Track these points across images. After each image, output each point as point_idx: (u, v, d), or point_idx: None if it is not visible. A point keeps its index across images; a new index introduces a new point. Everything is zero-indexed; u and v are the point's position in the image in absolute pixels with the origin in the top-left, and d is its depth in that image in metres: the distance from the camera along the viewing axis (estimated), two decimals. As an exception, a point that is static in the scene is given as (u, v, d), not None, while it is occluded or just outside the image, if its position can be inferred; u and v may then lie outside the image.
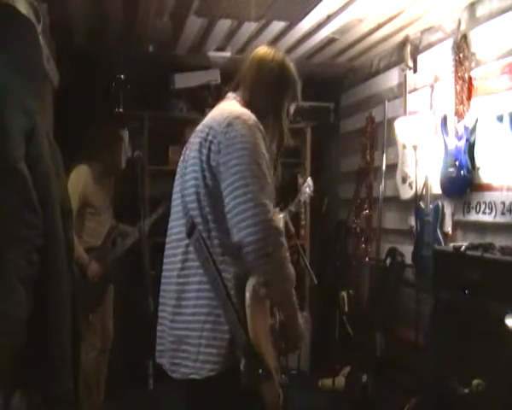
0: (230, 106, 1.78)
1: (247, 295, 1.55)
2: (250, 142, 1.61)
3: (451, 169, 3.25)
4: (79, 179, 3.42)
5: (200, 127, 1.74)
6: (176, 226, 1.74)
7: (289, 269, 1.60)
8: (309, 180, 2.99)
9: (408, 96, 3.85)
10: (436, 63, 3.63)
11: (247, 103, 1.80)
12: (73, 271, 3.26)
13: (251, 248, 1.51)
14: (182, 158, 1.79)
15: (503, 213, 2.97)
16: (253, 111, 1.75)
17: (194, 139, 1.72)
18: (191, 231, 1.63)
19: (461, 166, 3.19)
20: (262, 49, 1.91)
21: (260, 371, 1.51)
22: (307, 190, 2.88)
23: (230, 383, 1.54)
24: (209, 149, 1.64)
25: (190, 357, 1.61)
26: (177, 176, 1.79)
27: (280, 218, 2.33)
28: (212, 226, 1.61)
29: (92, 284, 3.38)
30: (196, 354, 1.60)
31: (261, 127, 1.68)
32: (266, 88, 1.84)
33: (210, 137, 1.65)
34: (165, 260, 1.80)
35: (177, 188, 1.77)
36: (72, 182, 3.35)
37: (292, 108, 1.93)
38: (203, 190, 1.64)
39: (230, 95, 1.86)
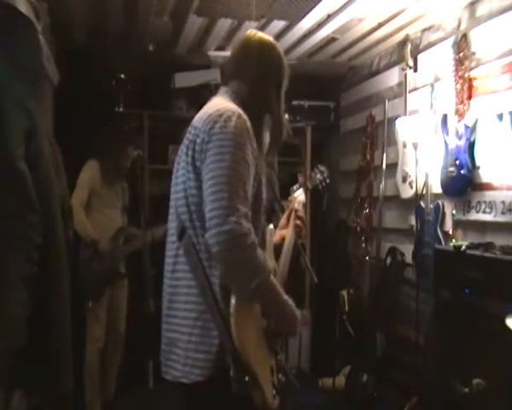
0: (218, 102, 1.71)
1: (233, 301, 1.51)
2: (232, 141, 1.54)
3: (452, 168, 3.25)
4: (88, 171, 3.58)
5: (189, 128, 1.69)
6: (171, 228, 1.72)
7: (255, 266, 1.50)
8: (320, 166, 2.86)
9: (408, 95, 3.84)
10: (436, 62, 3.62)
11: (243, 96, 1.73)
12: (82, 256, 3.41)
13: (213, 250, 1.48)
14: (176, 159, 1.74)
15: (503, 213, 2.97)
16: (248, 104, 1.69)
17: (184, 141, 1.67)
18: (181, 235, 1.61)
19: (461, 166, 3.19)
20: (253, 36, 1.81)
21: (247, 378, 1.48)
22: (318, 176, 2.80)
23: (219, 389, 1.51)
24: (193, 150, 1.59)
25: (180, 360, 1.60)
26: (173, 177, 1.76)
27: (296, 197, 2.32)
28: (200, 232, 1.57)
29: (101, 260, 3.47)
30: (185, 358, 1.59)
31: (248, 124, 1.61)
32: (266, 77, 1.76)
33: (194, 137, 1.61)
34: (165, 260, 1.79)
35: (172, 189, 1.74)
36: (81, 175, 3.54)
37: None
38: (191, 193, 1.60)
39: (223, 89, 1.79)
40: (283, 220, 2.19)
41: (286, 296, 1.65)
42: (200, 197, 1.56)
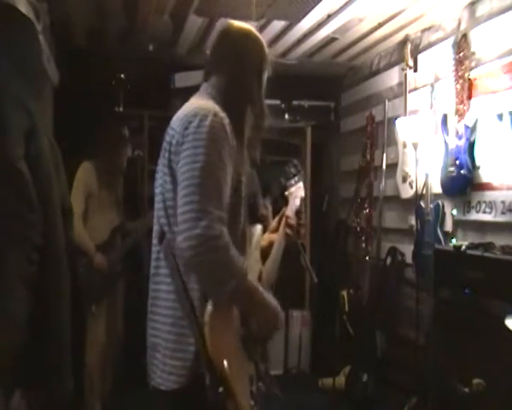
0: (196, 101, 1.65)
1: (209, 308, 1.46)
2: (206, 141, 1.48)
3: (452, 168, 3.25)
4: (82, 175, 3.50)
5: (167, 129, 1.64)
6: (154, 231, 1.68)
7: (229, 268, 1.44)
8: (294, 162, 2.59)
9: (408, 95, 3.85)
10: (436, 62, 3.63)
11: (223, 91, 1.66)
12: (80, 263, 3.32)
13: (184, 255, 1.43)
14: (158, 162, 1.67)
15: (503, 213, 2.97)
16: (228, 98, 1.64)
17: (163, 143, 1.62)
18: (161, 239, 1.56)
19: (461, 166, 3.19)
20: (227, 27, 1.74)
21: (221, 389, 1.43)
22: (292, 170, 2.61)
23: (196, 397, 1.47)
24: (169, 152, 1.54)
25: (159, 366, 1.58)
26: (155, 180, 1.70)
27: (293, 192, 2.25)
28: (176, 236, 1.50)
29: (98, 274, 3.42)
30: (163, 364, 1.56)
31: (225, 122, 1.53)
32: (244, 67, 1.69)
33: (170, 139, 1.57)
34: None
35: (155, 191, 1.68)
36: (77, 178, 3.46)
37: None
38: (168, 197, 1.56)
39: (203, 86, 1.72)
40: (274, 224, 2.14)
41: (265, 294, 1.60)
42: (176, 201, 1.50)
